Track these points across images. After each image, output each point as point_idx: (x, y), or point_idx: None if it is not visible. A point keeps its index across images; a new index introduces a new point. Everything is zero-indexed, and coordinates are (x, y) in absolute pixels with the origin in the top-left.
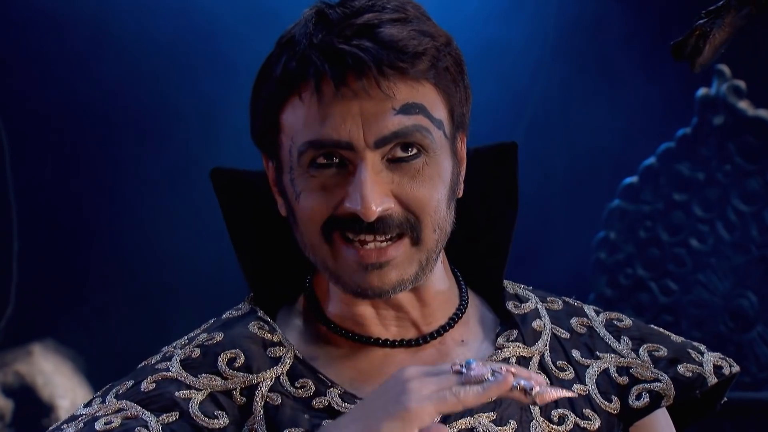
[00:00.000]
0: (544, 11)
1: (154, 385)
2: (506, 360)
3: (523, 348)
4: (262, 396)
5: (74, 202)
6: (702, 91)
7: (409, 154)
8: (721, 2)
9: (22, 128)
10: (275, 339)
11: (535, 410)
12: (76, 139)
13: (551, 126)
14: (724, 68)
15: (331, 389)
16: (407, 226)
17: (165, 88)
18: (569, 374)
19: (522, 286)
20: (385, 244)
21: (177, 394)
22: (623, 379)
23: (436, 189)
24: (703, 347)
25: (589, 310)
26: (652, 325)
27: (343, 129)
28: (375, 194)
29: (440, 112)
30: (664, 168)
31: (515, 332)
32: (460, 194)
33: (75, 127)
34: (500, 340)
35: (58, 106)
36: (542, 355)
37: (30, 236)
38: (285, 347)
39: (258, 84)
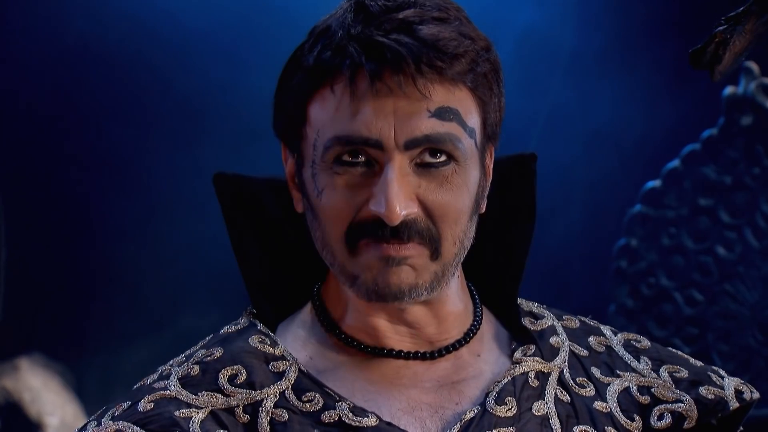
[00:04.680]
0: (566, 10)
1: (153, 404)
2: (524, 374)
3: (542, 363)
4: (267, 413)
5: (64, 211)
6: (729, 90)
7: (438, 160)
8: (742, 8)
9: (11, 131)
10: (277, 353)
11: (556, 426)
12: (70, 145)
13: (569, 127)
14: (753, 66)
15: (340, 402)
16: (428, 237)
17: (164, 87)
18: (590, 391)
19: (536, 303)
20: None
21: (177, 413)
22: (645, 398)
23: (462, 198)
24: (722, 371)
25: (606, 329)
26: (670, 348)
27: (374, 126)
28: (400, 197)
29: (474, 119)
30: (688, 171)
31: (533, 347)
32: (483, 210)
33: (67, 132)
34: (517, 354)
35: (50, 108)
36: (561, 371)
37: (18, 246)
38: (288, 361)
39: (286, 72)
